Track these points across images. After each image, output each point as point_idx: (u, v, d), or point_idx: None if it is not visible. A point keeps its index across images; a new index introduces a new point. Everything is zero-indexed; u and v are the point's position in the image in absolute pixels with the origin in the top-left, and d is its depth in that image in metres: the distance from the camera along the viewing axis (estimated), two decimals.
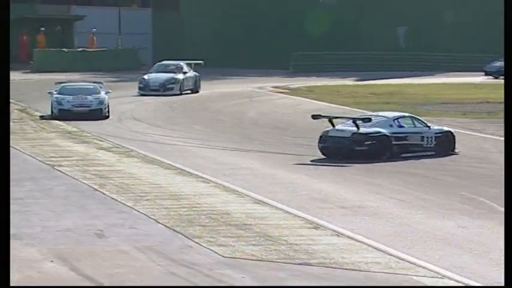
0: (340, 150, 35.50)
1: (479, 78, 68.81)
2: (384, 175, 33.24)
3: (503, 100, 55.23)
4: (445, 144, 36.95)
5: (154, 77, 55.15)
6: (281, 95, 58.40)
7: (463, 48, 74.91)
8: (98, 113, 44.53)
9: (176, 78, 54.97)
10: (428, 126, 37.53)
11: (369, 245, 23.59)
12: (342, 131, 35.87)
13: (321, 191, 30.79)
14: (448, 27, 77.92)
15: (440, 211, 27.79)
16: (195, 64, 58.34)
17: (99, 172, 33.24)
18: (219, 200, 28.92)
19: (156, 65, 57.93)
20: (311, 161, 35.86)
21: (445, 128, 38.29)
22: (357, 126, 35.50)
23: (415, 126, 37.19)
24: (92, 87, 46.00)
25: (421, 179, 32.81)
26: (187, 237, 24.39)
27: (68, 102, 44.30)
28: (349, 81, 66.20)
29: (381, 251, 23.09)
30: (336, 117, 37.42)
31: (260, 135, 42.54)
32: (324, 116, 37.53)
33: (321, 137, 36.10)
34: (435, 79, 67.64)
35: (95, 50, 72.32)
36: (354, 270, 21.53)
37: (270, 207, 28.06)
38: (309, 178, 33.01)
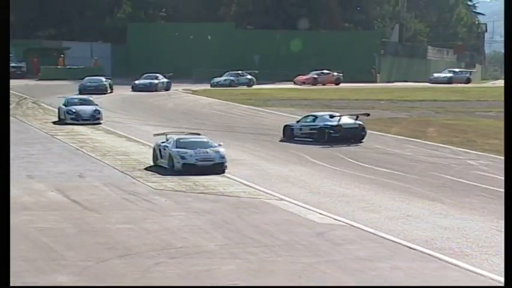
0: (349, 136, 32.15)
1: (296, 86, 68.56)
2: (249, 142, 33.35)
3: (311, 97, 54.72)
4: None
5: (82, 108, 38.77)
6: (188, 94, 58.13)
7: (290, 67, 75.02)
8: (219, 167, 25.18)
9: (100, 110, 39.51)
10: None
11: (240, 182, 23.76)
12: (351, 123, 32.63)
13: None
14: (282, 56, 78.18)
15: (280, 162, 28.08)
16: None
17: (80, 139, 32.90)
18: (151, 156, 28.79)
19: (70, 98, 41.04)
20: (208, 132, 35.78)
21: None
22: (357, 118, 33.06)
23: None
24: (206, 140, 26.78)
25: (272, 144, 32.96)
26: (132, 177, 24.34)
27: (191, 156, 25.10)
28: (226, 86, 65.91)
29: (246, 185, 23.28)
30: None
31: (176, 118, 42.25)
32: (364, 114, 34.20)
33: (332, 130, 32.00)
34: (277, 85, 67.74)
35: (78, 67, 70.85)
36: (231, 196, 21.71)
37: None
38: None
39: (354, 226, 18.04)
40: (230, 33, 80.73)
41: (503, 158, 28.19)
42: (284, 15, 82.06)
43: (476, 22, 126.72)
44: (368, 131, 34.38)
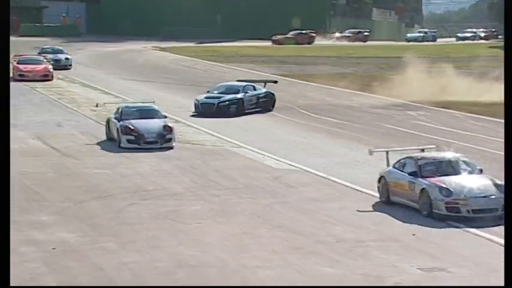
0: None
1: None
2: None
3: (268, 54, 53.72)
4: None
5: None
6: (156, 51, 57.46)
7: (255, 27, 74.39)
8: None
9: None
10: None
11: (204, 131, 23.53)
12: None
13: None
14: (243, 16, 77.43)
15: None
16: None
17: (58, 91, 32.45)
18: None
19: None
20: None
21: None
22: None
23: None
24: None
25: None
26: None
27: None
28: (192, 44, 65.09)
29: (210, 134, 23.13)
30: None
31: (146, 72, 41.74)
32: None
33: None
34: (237, 43, 67.23)
35: (55, 25, 69.38)
36: (196, 144, 21.49)
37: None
38: (170, 94, 32.44)
39: (307, 171, 18.11)
40: None
41: (439, 108, 28.62)
42: None
43: None
44: (319, 85, 34.43)
